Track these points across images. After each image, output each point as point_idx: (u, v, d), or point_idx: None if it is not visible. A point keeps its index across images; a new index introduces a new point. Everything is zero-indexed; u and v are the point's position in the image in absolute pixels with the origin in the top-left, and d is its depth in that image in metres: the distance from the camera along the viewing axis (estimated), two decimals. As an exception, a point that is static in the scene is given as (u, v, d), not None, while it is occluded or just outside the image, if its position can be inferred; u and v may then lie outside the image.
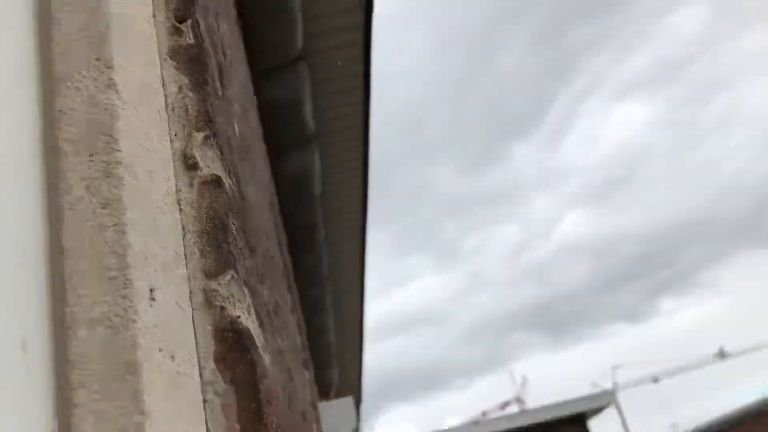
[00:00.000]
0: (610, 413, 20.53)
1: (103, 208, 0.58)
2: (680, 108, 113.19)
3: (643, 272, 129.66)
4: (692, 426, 30.31)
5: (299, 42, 3.42)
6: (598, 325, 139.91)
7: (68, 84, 0.63)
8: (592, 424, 19.07)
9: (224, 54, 1.38)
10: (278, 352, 1.26)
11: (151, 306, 0.58)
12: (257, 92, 3.32)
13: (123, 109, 0.64)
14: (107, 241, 0.57)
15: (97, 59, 0.66)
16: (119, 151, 0.62)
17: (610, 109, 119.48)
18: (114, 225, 0.58)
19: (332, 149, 4.70)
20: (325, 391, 8.09)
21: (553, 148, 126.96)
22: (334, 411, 6.88)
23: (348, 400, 7.20)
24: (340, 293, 7.05)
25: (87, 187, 0.59)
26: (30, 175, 0.58)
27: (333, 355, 7.90)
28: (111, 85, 0.65)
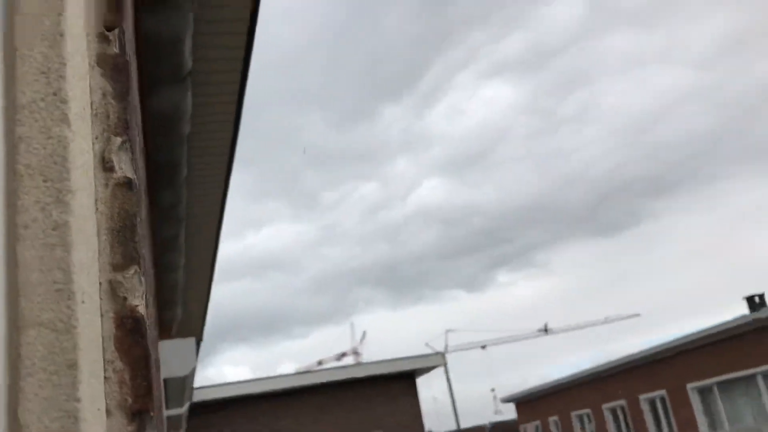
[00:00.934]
0: (438, 372, 21.77)
1: (53, 229, 0.71)
2: (543, 96, 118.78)
3: (485, 245, 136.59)
4: (509, 392, 32.79)
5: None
6: (438, 290, 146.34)
7: (27, 113, 0.74)
8: (420, 381, 20.19)
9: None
10: (151, 316, 1.39)
11: (83, 309, 0.72)
12: (137, 23, 3.28)
13: (73, 141, 0.76)
14: (56, 258, 0.70)
15: (54, 94, 0.76)
16: (68, 180, 0.74)
17: (479, 86, 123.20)
18: (62, 245, 0.71)
19: (207, 89, 4.67)
20: (166, 330, 8.09)
21: (421, 114, 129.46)
22: (174, 350, 6.92)
23: (190, 341, 7.26)
24: (195, 233, 7.03)
25: (41, 209, 0.71)
26: (-6, 193, 0.69)
27: (179, 294, 7.87)
28: (64, 119, 0.76)
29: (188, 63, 4.07)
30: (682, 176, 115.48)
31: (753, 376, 18.32)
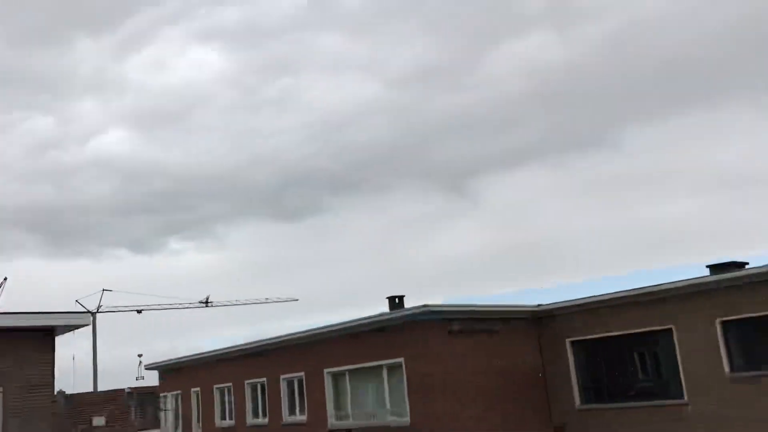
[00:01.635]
0: (85, 332, 20.61)
1: None
2: (251, 73, 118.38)
3: (163, 208, 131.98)
4: (158, 360, 32.19)
5: None
6: (102, 246, 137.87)
7: None
8: (62, 339, 18.88)
9: None
10: None
11: None
12: None
13: None
14: None
15: None
16: None
17: (188, 46, 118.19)
18: None
19: None
20: None
21: (120, 57, 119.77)
22: None
23: None
24: None
25: None
26: None
27: None
28: None
29: None
30: (361, 179, 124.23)
31: (379, 367, 20.45)
